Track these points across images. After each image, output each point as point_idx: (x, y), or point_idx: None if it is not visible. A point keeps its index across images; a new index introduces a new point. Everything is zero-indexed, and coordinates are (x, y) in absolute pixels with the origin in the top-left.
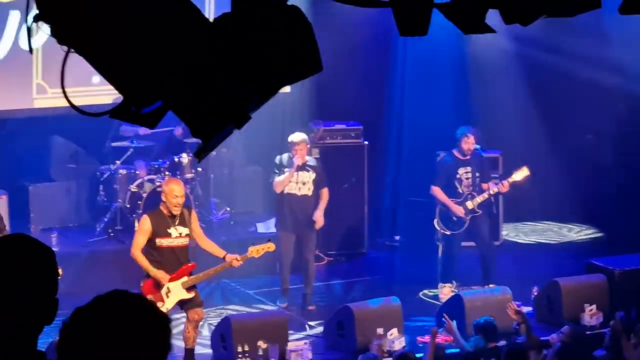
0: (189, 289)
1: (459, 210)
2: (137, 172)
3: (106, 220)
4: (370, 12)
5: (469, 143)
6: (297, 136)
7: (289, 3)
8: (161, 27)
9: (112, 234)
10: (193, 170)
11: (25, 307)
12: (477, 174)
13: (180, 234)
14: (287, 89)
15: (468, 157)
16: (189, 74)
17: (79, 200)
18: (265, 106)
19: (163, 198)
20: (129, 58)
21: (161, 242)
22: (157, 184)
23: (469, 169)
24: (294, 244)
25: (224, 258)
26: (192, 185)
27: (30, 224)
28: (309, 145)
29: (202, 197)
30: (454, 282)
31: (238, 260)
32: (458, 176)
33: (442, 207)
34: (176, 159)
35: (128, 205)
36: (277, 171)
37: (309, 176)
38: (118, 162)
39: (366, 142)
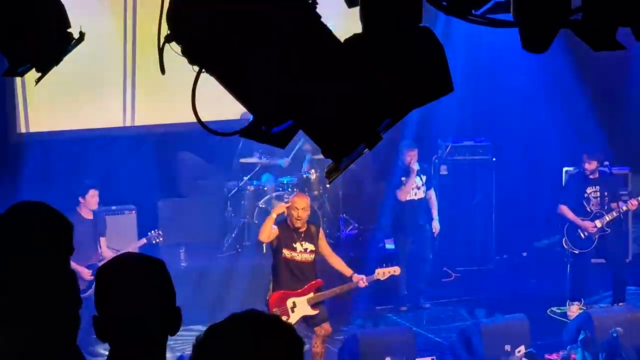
0: (314, 306)
1: (588, 226)
2: (265, 188)
3: (234, 236)
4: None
5: (590, 164)
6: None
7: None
8: (293, 47)
9: (239, 250)
10: (321, 187)
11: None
12: (606, 193)
13: (305, 249)
14: None
15: (596, 175)
16: (321, 94)
17: (207, 215)
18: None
19: (292, 211)
20: (259, 77)
21: (286, 254)
22: (285, 200)
23: (597, 187)
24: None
25: (350, 277)
26: (321, 201)
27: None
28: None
29: (331, 213)
30: (582, 300)
31: (364, 282)
32: (586, 195)
33: (570, 226)
34: (304, 176)
35: (256, 221)
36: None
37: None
38: (246, 178)
39: (494, 159)
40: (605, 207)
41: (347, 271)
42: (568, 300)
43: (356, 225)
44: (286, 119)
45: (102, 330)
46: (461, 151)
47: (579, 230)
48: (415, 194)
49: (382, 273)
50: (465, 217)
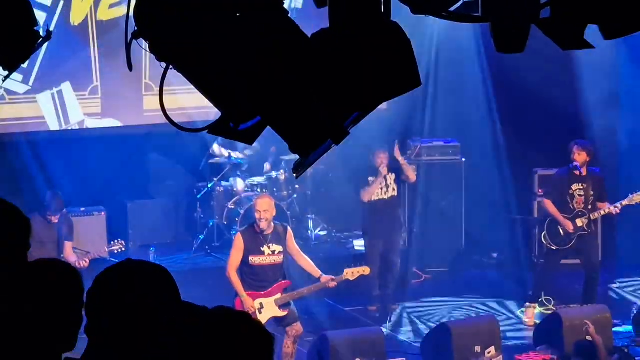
0: (282, 307)
1: (568, 226)
2: (234, 189)
3: (203, 237)
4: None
5: (579, 154)
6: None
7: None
8: (260, 44)
9: (209, 251)
10: (290, 187)
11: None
12: (592, 193)
13: (273, 251)
14: (383, 105)
15: (584, 173)
16: (288, 90)
17: (176, 217)
18: (363, 123)
19: (257, 216)
20: (227, 74)
21: (254, 260)
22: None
23: (583, 185)
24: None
25: (319, 278)
26: (289, 202)
27: (129, 240)
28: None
29: (300, 214)
30: (551, 299)
31: (333, 281)
32: (571, 192)
33: (552, 222)
34: (273, 176)
35: (225, 222)
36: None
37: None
38: (215, 179)
39: (464, 159)
40: (589, 207)
41: (315, 272)
42: (526, 303)
43: (325, 225)
44: (253, 115)
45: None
46: (430, 152)
47: (559, 227)
48: (385, 193)
49: (351, 273)
50: (435, 218)
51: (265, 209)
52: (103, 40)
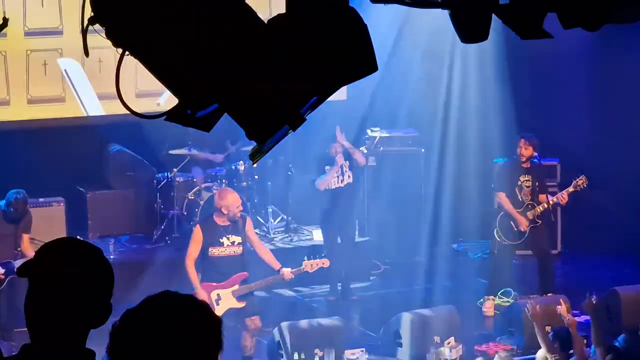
0: (239, 299)
1: (522, 223)
2: (194, 179)
3: (163, 227)
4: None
5: (526, 149)
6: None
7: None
8: (216, 30)
9: (169, 242)
10: (250, 179)
11: (77, 309)
12: (537, 183)
13: (233, 242)
14: (343, 96)
15: (528, 165)
16: (244, 76)
17: (136, 207)
18: (322, 113)
19: (224, 212)
20: (183, 60)
21: (213, 251)
22: (215, 191)
23: (529, 177)
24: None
25: (278, 270)
26: (249, 193)
27: (88, 231)
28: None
29: (259, 204)
30: (511, 291)
31: (291, 274)
32: (519, 183)
33: (504, 216)
34: (233, 167)
35: (185, 213)
36: None
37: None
38: (175, 169)
39: (423, 150)
40: (536, 198)
41: (275, 264)
42: (485, 295)
43: (285, 216)
44: (210, 102)
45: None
46: (390, 142)
47: (512, 222)
48: (342, 181)
49: (310, 265)
50: (395, 208)
51: (237, 205)
52: None
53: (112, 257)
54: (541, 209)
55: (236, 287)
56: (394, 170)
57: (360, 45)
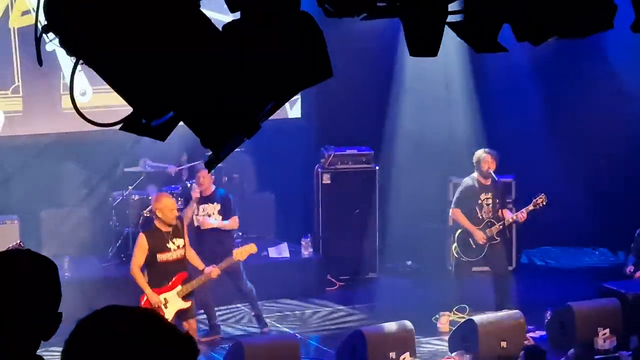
0: (185, 298)
1: (479, 237)
2: (149, 197)
3: (118, 245)
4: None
5: (492, 164)
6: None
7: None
8: (170, 37)
9: (124, 259)
10: None
11: (25, 320)
12: (497, 201)
13: (178, 246)
14: (297, 114)
15: (489, 182)
16: (198, 83)
17: (91, 225)
18: (277, 131)
19: (159, 215)
20: (137, 69)
21: (161, 257)
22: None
23: (490, 194)
24: None
25: (202, 271)
26: None
27: (42, 249)
28: (213, 176)
29: None
30: (466, 307)
31: (217, 270)
32: (480, 202)
33: (462, 233)
34: (188, 184)
35: (140, 230)
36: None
37: (214, 208)
38: (130, 187)
39: (377, 167)
40: (495, 215)
41: (199, 264)
42: (440, 312)
43: (240, 233)
44: (165, 110)
45: None
46: (344, 160)
47: (470, 239)
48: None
49: (240, 253)
50: (349, 226)
51: (171, 209)
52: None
53: (67, 275)
54: (499, 227)
55: (179, 287)
56: (348, 188)
57: (315, 51)
